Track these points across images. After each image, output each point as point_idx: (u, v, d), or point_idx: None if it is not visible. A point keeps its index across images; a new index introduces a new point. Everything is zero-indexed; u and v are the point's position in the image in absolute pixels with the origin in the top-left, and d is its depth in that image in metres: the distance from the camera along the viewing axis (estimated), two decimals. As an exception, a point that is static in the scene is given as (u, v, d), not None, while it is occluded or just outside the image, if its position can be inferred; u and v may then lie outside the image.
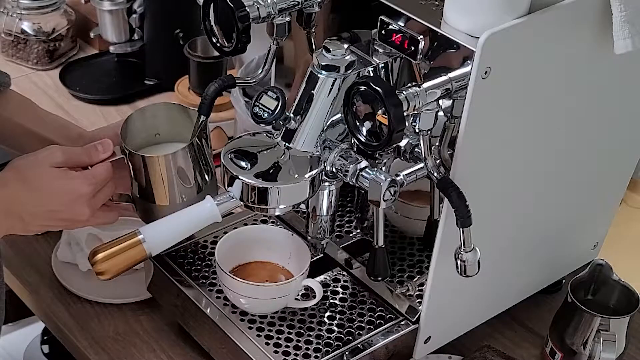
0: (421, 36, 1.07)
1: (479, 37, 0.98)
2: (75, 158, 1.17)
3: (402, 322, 1.22)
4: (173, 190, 1.22)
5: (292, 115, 1.13)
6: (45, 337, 2.01)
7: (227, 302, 1.23)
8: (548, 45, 1.05)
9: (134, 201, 1.26)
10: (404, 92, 1.00)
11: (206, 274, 1.28)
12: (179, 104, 1.31)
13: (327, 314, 1.23)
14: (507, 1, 1.01)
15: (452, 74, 1.04)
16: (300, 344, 1.19)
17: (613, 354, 1.23)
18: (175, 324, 1.31)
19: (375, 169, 1.09)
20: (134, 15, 1.87)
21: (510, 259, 1.26)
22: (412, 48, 1.08)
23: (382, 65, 1.14)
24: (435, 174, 1.08)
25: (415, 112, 1.02)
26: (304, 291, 1.22)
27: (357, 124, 1.05)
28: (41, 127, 1.28)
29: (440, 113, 1.06)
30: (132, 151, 1.20)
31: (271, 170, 1.11)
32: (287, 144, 1.13)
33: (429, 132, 1.06)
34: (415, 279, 1.27)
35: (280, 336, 1.20)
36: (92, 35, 1.93)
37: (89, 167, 1.17)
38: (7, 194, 1.13)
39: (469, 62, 1.01)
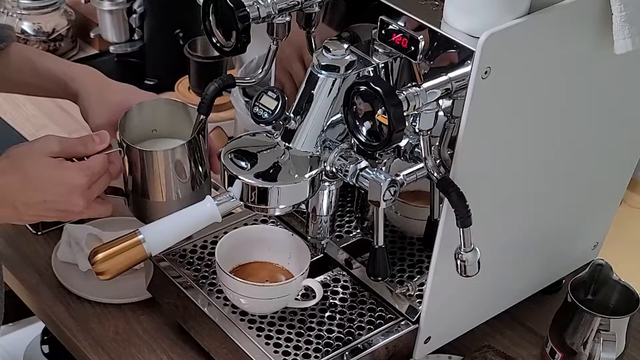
0: (421, 36, 1.07)
1: (479, 37, 0.98)
2: (71, 148, 1.17)
3: (402, 322, 1.22)
4: (169, 186, 1.22)
5: (292, 115, 1.13)
6: (45, 337, 2.01)
7: (227, 302, 1.23)
8: (548, 45, 1.05)
9: (126, 196, 1.25)
10: (404, 92, 1.00)
11: (206, 274, 1.28)
12: (179, 101, 1.31)
13: (327, 314, 1.23)
14: (507, 1, 1.01)
15: (452, 74, 1.04)
16: (300, 344, 1.19)
17: (613, 354, 1.23)
18: (175, 324, 1.31)
19: (375, 169, 1.09)
20: (134, 15, 1.87)
21: (510, 259, 1.26)
22: (412, 48, 1.08)
23: (382, 65, 1.14)
24: (435, 174, 1.08)
25: (415, 112, 1.02)
26: (304, 291, 1.22)
27: (357, 124, 1.05)
28: (41, 84, 1.31)
29: (440, 113, 1.06)
30: (130, 144, 1.20)
31: (271, 170, 1.11)
32: (287, 144, 1.13)
33: (429, 132, 1.06)
34: (415, 279, 1.27)
35: (280, 336, 1.20)
36: (92, 35, 1.94)
37: (85, 158, 1.17)
38: (1, 183, 1.13)
39: (469, 62, 1.01)
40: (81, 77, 1.31)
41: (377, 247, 1.13)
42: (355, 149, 1.12)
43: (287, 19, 1.16)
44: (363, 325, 1.22)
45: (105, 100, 1.28)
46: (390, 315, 1.23)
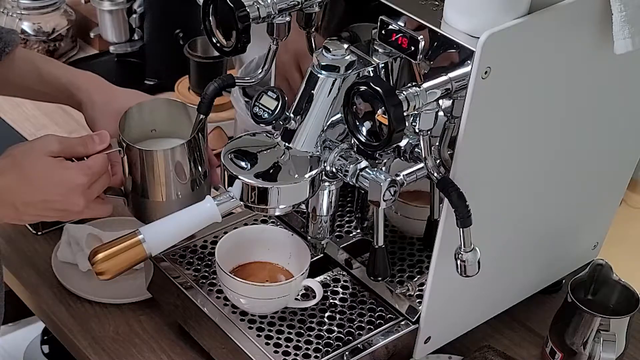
0: (421, 36, 1.07)
1: (479, 37, 0.98)
2: (71, 148, 1.17)
3: (402, 322, 1.22)
4: (169, 186, 1.22)
5: (292, 115, 1.13)
6: (45, 337, 2.01)
7: (227, 302, 1.23)
8: (548, 45, 1.05)
9: (126, 196, 1.25)
10: (404, 92, 1.01)
11: (206, 274, 1.28)
12: (178, 101, 1.31)
13: (327, 314, 1.23)
14: (507, 1, 1.01)
15: (452, 74, 1.04)
16: (300, 344, 1.19)
17: (613, 354, 1.23)
18: (175, 324, 1.31)
19: (375, 169, 1.09)
20: (134, 15, 1.87)
21: (510, 259, 1.26)
22: (412, 48, 1.08)
23: (382, 65, 1.14)
24: (435, 174, 1.08)
25: (415, 112, 1.02)
26: (304, 291, 1.22)
27: (357, 124, 1.05)
28: (46, 90, 1.32)
29: (440, 113, 1.06)
30: (130, 144, 1.20)
31: (271, 170, 1.11)
32: (287, 144, 1.13)
33: (429, 132, 1.06)
34: (415, 279, 1.27)
35: (280, 336, 1.20)
36: (92, 35, 1.94)
37: (85, 158, 1.17)
38: (1, 183, 1.13)
39: (469, 62, 1.01)
40: (86, 86, 1.31)
41: (377, 247, 1.13)
42: (355, 149, 1.12)
43: (287, 19, 1.16)
44: (363, 325, 1.22)
45: (110, 109, 1.28)
46: (390, 315, 1.23)
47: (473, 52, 0.99)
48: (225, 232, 1.27)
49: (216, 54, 1.48)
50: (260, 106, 1.13)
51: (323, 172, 1.13)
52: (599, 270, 1.28)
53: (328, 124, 1.13)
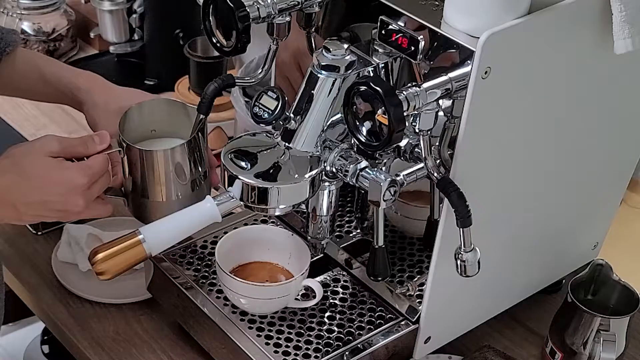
0: (421, 36, 1.07)
1: (479, 37, 0.98)
2: (71, 148, 1.16)
3: (402, 322, 1.22)
4: (169, 186, 1.22)
5: (292, 115, 1.13)
6: (45, 337, 2.01)
7: (227, 302, 1.23)
8: (548, 45, 1.05)
9: (126, 196, 1.25)
10: (404, 92, 1.01)
11: (206, 274, 1.28)
12: (178, 101, 1.31)
13: (327, 314, 1.23)
14: (507, 1, 1.01)
15: (452, 74, 1.04)
16: (300, 344, 1.19)
17: (613, 354, 1.23)
18: (175, 324, 1.31)
19: (375, 169, 1.09)
20: (134, 15, 1.87)
21: (510, 259, 1.26)
22: (412, 48, 1.09)
23: (382, 65, 1.14)
24: (435, 174, 1.08)
25: (415, 112, 1.02)
26: (304, 291, 1.22)
27: (357, 124, 1.05)
28: (47, 90, 1.32)
29: (440, 113, 1.06)
30: (131, 144, 1.20)
31: (271, 170, 1.11)
32: (287, 144, 1.13)
33: (429, 132, 1.06)
34: (415, 279, 1.27)
35: (280, 336, 1.20)
36: (92, 35, 1.94)
37: (85, 158, 1.17)
38: (1, 183, 1.13)
39: (469, 62, 1.01)
40: (87, 86, 1.31)
41: (377, 247, 1.13)
42: (355, 149, 1.12)
43: (287, 19, 1.16)
44: (363, 325, 1.22)
45: (111, 109, 1.28)
46: (390, 315, 1.23)
47: (473, 52, 0.99)
48: (225, 232, 1.27)
49: (216, 54, 1.48)
50: (260, 106, 1.13)
51: (323, 172, 1.13)
52: (599, 270, 1.28)
53: (328, 124, 1.13)
